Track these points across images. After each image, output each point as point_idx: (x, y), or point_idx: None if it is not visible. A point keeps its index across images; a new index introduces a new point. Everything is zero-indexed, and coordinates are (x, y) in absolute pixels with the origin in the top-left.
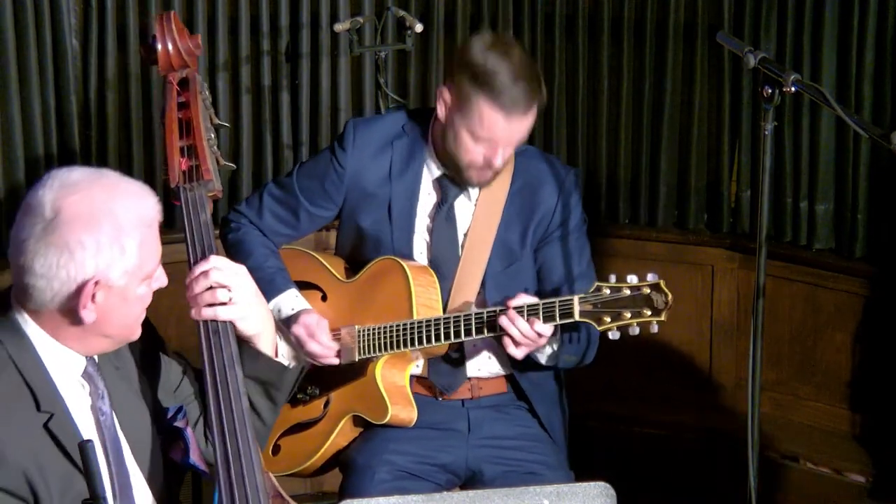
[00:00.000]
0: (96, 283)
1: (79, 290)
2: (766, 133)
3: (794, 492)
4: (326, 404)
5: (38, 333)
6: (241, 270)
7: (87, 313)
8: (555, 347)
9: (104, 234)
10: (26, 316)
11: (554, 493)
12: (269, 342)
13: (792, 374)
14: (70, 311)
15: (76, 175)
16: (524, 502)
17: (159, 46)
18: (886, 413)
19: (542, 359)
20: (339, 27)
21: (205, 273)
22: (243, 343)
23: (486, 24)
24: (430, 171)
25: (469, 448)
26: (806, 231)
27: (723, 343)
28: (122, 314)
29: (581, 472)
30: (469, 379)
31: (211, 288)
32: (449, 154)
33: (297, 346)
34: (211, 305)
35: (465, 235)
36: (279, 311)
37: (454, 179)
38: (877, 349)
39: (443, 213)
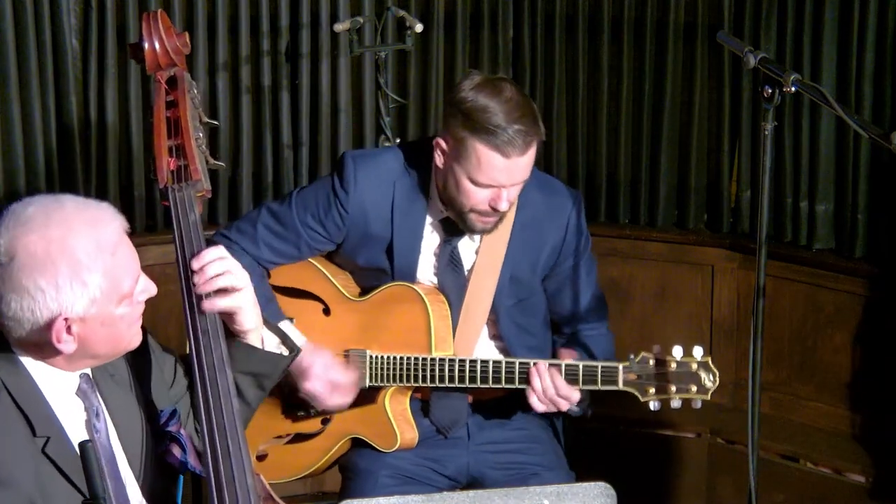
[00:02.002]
0: (65, 319)
1: (48, 326)
2: (766, 133)
3: (794, 492)
4: (325, 421)
5: (29, 359)
6: (237, 263)
7: (65, 346)
8: (584, 406)
9: (62, 274)
10: (15, 353)
11: (554, 493)
12: (259, 335)
13: (792, 374)
14: (48, 343)
15: (31, 210)
16: (524, 502)
17: (146, 45)
18: (886, 413)
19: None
20: (339, 27)
21: (211, 262)
22: (236, 340)
23: (486, 23)
24: (433, 213)
25: (469, 454)
26: (806, 231)
27: (723, 343)
28: (105, 337)
29: (581, 472)
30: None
31: (216, 277)
32: (451, 200)
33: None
34: (217, 295)
35: (469, 273)
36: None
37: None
38: (876, 349)
39: (446, 255)
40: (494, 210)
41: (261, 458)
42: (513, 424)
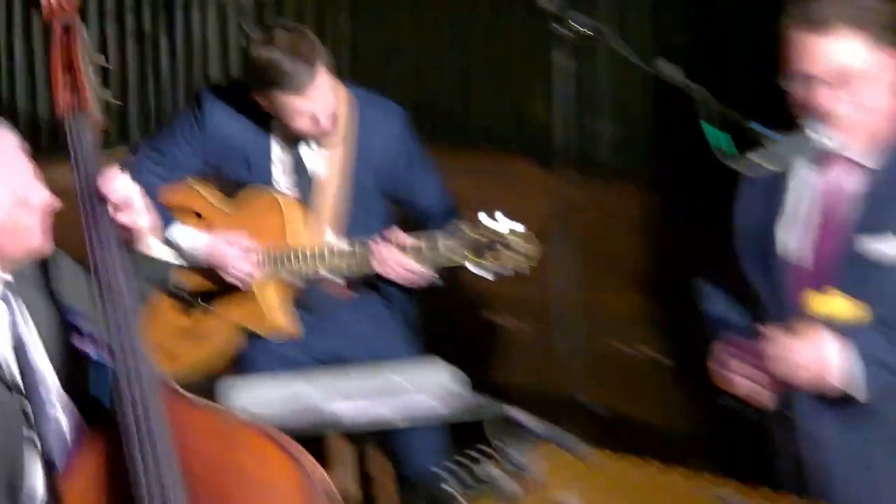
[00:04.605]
0: None
1: None
2: (565, 68)
3: (601, 366)
4: (214, 317)
5: None
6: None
7: None
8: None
9: None
10: None
11: (400, 369)
12: (148, 244)
13: (594, 269)
14: None
15: None
16: (378, 378)
17: None
18: (672, 298)
19: None
20: None
21: (113, 182)
22: (130, 248)
23: None
24: (278, 130)
25: (336, 339)
26: (601, 150)
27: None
28: (12, 241)
29: (429, 353)
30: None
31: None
32: (287, 126)
33: (217, 264)
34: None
35: (317, 180)
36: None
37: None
38: (660, 245)
39: (293, 164)
40: (317, 126)
41: (164, 353)
42: (376, 314)
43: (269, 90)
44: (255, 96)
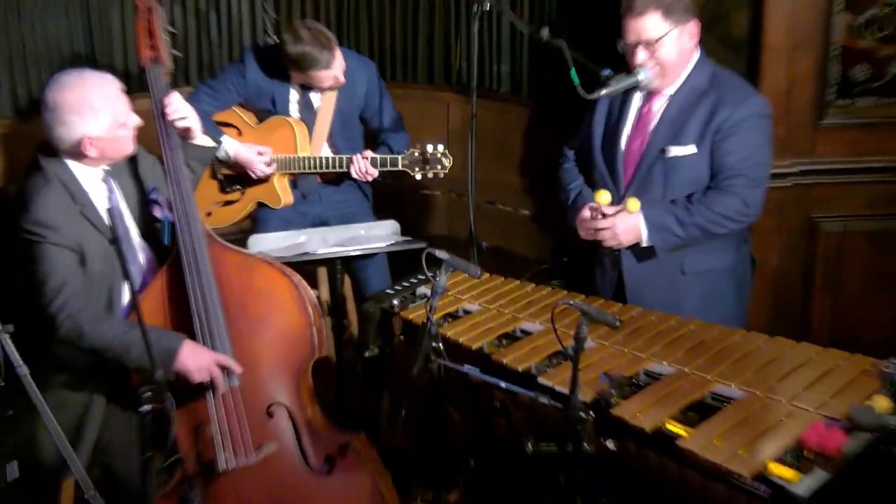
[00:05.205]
0: (88, 138)
1: (79, 143)
2: (474, 33)
3: (491, 223)
4: (242, 193)
5: (72, 162)
6: (187, 104)
7: (90, 152)
8: (385, 176)
9: (84, 112)
10: (63, 158)
11: (367, 226)
12: (201, 140)
13: (491, 158)
14: (81, 152)
15: (64, 78)
16: (347, 231)
17: None
18: (546, 178)
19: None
20: None
21: (174, 103)
22: (188, 143)
23: None
24: (295, 80)
25: (321, 208)
26: (497, 81)
27: (456, 143)
28: (114, 148)
29: (382, 217)
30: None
31: (176, 109)
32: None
33: (244, 162)
34: (180, 120)
35: (317, 110)
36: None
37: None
38: (538, 144)
39: (304, 101)
40: (338, 81)
41: (208, 215)
42: (347, 192)
43: (307, 71)
44: (291, 73)
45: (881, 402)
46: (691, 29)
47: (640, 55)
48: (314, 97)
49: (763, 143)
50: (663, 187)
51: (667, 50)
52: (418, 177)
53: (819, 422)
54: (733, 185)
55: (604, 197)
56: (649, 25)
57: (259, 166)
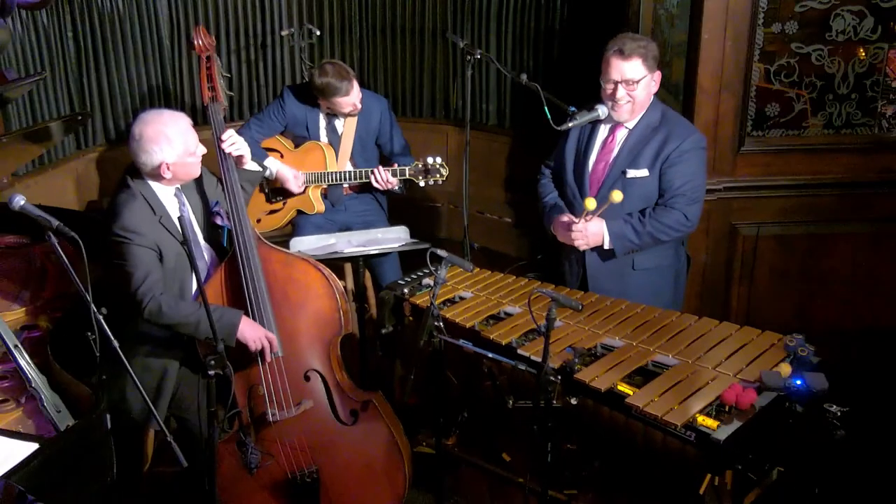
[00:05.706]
0: (165, 163)
1: (159, 167)
2: (467, 78)
3: (484, 229)
4: (284, 203)
5: (152, 182)
6: (240, 136)
7: (166, 175)
8: (401, 188)
9: (162, 143)
10: (145, 178)
11: (382, 231)
12: (251, 165)
13: (482, 176)
14: (159, 174)
15: (146, 115)
16: (368, 235)
17: (196, 42)
18: (525, 193)
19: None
20: (284, 33)
21: (230, 136)
22: (241, 167)
23: (354, 31)
24: (323, 109)
25: (346, 216)
26: (486, 116)
27: (453, 164)
28: (185, 172)
29: (395, 223)
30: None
31: (231, 141)
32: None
33: (283, 179)
34: (231, 147)
35: (341, 136)
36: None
37: (334, 113)
38: (518, 167)
39: (331, 127)
40: (355, 108)
41: (257, 221)
42: (367, 205)
43: (330, 98)
44: (319, 100)
45: (785, 369)
46: (657, 76)
47: (620, 91)
48: (338, 123)
49: (700, 170)
50: (622, 202)
51: (640, 90)
52: (422, 184)
53: (736, 383)
54: (677, 203)
55: (590, 203)
56: (633, 68)
57: (295, 183)
